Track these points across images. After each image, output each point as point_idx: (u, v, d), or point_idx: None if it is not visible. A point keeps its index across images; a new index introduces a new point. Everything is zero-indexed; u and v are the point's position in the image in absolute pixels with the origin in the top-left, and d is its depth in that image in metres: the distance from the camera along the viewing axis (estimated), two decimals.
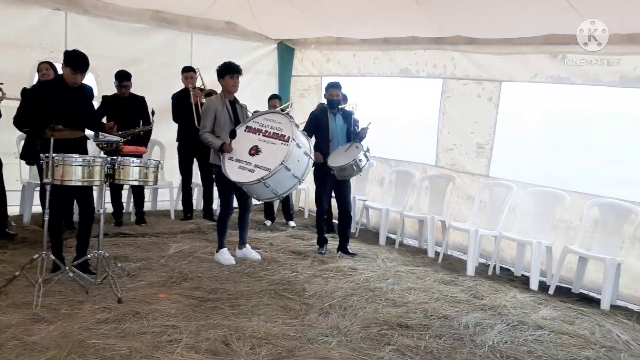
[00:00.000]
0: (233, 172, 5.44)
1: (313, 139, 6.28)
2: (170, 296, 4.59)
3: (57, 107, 4.57)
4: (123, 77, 6.85)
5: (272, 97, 8.12)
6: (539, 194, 6.39)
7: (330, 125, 6.40)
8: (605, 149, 6.29)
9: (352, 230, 7.71)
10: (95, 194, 5.03)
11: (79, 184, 4.35)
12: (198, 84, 7.61)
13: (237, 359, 3.50)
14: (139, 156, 4.89)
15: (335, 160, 6.25)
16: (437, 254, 6.79)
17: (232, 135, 5.52)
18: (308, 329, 4.11)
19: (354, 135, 6.43)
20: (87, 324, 3.83)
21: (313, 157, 5.56)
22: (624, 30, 5.68)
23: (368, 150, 6.30)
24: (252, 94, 8.30)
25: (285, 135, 5.37)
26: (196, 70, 7.60)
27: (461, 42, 7.19)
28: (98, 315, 4.01)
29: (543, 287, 5.87)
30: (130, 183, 4.83)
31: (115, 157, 4.58)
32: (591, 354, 4.06)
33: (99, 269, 4.69)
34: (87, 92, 4.93)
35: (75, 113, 4.69)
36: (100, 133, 4.48)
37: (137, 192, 7.13)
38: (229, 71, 5.74)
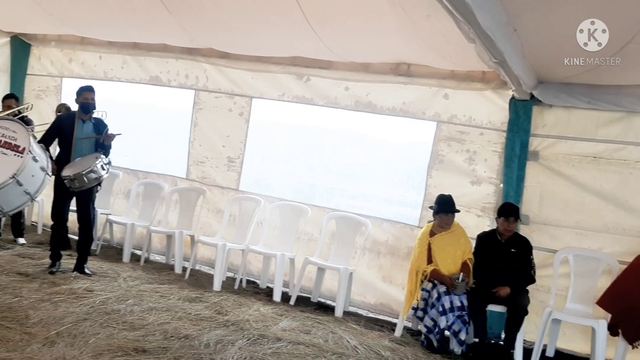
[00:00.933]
0: None
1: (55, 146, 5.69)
2: None
3: None
4: None
5: (7, 97, 7.12)
6: (285, 207, 6.64)
7: (76, 132, 5.81)
8: (342, 165, 6.82)
9: (94, 247, 7.14)
10: None
11: None
12: None
13: None
14: None
15: (69, 170, 5.68)
16: (184, 269, 6.61)
17: None
18: None
19: (101, 146, 5.93)
20: None
21: (50, 174, 4.99)
22: (360, 59, 6.23)
23: (110, 162, 5.87)
24: None
25: (19, 146, 4.76)
26: None
27: (214, 55, 7.19)
28: None
29: (286, 298, 6.09)
30: None
31: None
32: None
33: None
34: None
35: None
36: None
37: None
38: None
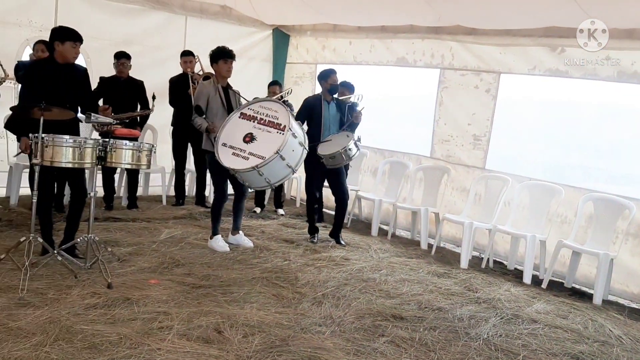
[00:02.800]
0: (227, 158, 5.33)
1: (305, 126, 6.21)
2: (162, 282, 4.50)
3: (48, 87, 4.45)
4: (122, 55, 6.76)
5: (272, 84, 8.04)
6: (535, 187, 6.35)
7: (323, 113, 6.31)
8: (601, 143, 6.26)
9: (345, 220, 7.67)
10: (86, 176, 4.89)
11: (69, 165, 4.23)
12: (197, 69, 7.48)
13: (230, 347, 3.43)
14: (133, 139, 4.76)
15: (325, 148, 6.16)
16: (430, 246, 6.74)
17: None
18: (301, 318, 4.04)
19: (346, 124, 6.35)
20: (75, 309, 3.74)
21: (307, 148, 5.48)
22: (623, 25, 5.64)
23: (359, 139, 6.23)
24: (245, 80, 8.17)
25: (281, 124, 5.27)
26: (196, 56, 7.46)
27: (460, 32, 7.12)
28: (87, 301, 3.92)
29: (536, 281, 5.85)
30: (123, 166, 4.72)
31: (107, 140, 4.47)
32: (585, 349, 4.03)
33: (89, 253, 4.59)
34: (80, 71, 4.79)
35: (66, 93, 4.57)
36: (93, 114, 4.36)
37: (131, 175, 7.02)
38: (222, 56, 5.63)
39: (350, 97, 7.21)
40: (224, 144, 5.42)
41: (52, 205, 4.93)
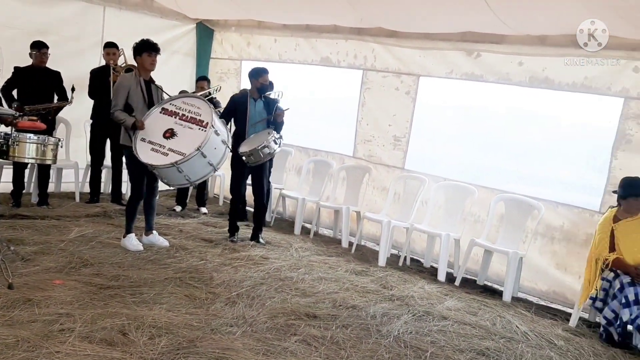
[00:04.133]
0: (145, 154, 5.19)
1: (232, 125, 6.15)
2: (67, 282, 4.31)
3: None
4: (43, 45, 6.46)
5: (201, 79, 7.91)
6: (450, 187, 6.53)
7: (249, 110, 6.24)
8: (513, 146, 6.51)
9: (268, 219, 7.63)
10: None
11: None
12: (120, 62, 7.23)
13: (134, 350, 3.32)
14: (39, 132, 4.52)
15: (245, 146, 6.10)
16: (350, 244, 6.81)
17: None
18: (212, 318, 3.97)
19: (271, 122, 6.31)
20: None
21: (230, 147, 5.41)
22: (536, 31, 5.88)
23: (281, 137, 6.21)
24: (168, 74, 7.95)
25: (203, 121, 5.19)
26: (120, 48, 7.20)
27: (382, 34, 7.21)
28: None
29: (450, 278, 6.01)
30: (27, 161, 4.50)
31: (9, 133, 4.23)
32: (491, 345, 4.17)
33: None
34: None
35: None
36: None
37: (42, 171, 6.68)
38: (146, 48, 5.46)
39: (270, 94, 7.16)
40: (143, 139, 5.27)
41: None
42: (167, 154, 5.09)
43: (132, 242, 5.50)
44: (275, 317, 4.14)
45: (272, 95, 7.17)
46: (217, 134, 5.15)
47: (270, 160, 7.03)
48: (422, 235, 6.62)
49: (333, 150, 7.89)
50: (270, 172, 7.40)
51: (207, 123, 5.15)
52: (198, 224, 6.99)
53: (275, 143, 6.12)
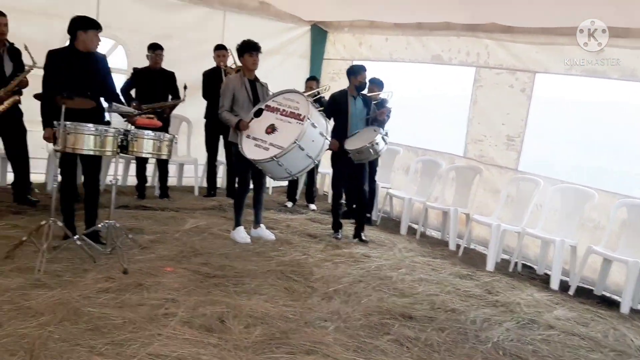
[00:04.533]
0: (249, 149, 5.41)
1: (332, 122, 6.22)
2: (177, 270, 4.58)
3: (69, 75, 4.57)
4: (158, 47, 6.92)
5: (310, 79, 8.09)
6: (567, 190, 6.14)
7: (349, 109, 6.28)
8: (638, 148, 6.00)
9: (374, 218, 7.63)
10: (114, 165, 4.97)
11: (91, 152, 4.36)
12: (230, 62, 7.57)
13: (229, 337, 3.46)
14: (155, 129, 4.84)
15: (352, 143, 6.14)
16: (458, 246, 6.62)
17: (257, 114, 5.50)
18: (308, 312, 4.04)
19: (372, 120, 6.31)
20: (87, 292, 3.85)
21: (329, 139, 5.48)
22: None
23: (387, 134, 6.18)
24: (283, 75, 8.21)
25: (301, 115, 5.31)
26: (228, 50, 7.55)
27: (496, 30, 6.96)
28: (100, 285, 4.03)
29: (564, 287, 5.66)
30: (144, 155, 4.81)
31: (129, 130, 4.58)
32: (599, 357, 3.89)
33: (109, 239, 4.72)
34: (100, 60, 4.89)
35: (88, 82, 4.67)
36: (114, 104, 4.47)
37: (161, 166, 7.18)
38: (248, 49, 5.67)
39: (379, 94, 7.19)
40: (248, 136, 5.49)
41: (75, 192, 5.04)
42: (268, 149, 5.27)
43: (241, 234, 5.74)
44: (370, 315, 4.13)
45: (382, 95, 7.23)
46: (315, 127, 5.25)
47: (376, 159, 7.08)
48: (535, 241, 6.28)
49: (442, 150, 7.73)
50: (375, 170, 7.44)
51: (304, 116, 5.25)
52: (305, 219, 7.14)
53: (383, 140, 6.11)
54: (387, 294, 4.64)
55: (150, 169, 7.43)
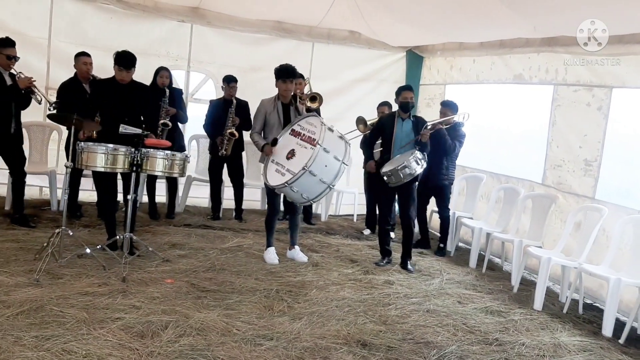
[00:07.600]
0: (270, 174, 5.56)
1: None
2: (177, 282, 4.86)
3: (105, 103, 5.19)
4: (231, 79, 7.39)
5: (382, 104, 8.01)
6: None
7: (395, 130, 6.09)
8: None
9: (448, 248, 7.21)
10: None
11: (102, 169, 4.89)
12: (306, 90, 7.81)
13: (153, 343, 3.61)
14: (165, 149, 5.21)
15: (387, 166, 5.94)
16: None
17: (273, 143, 5.63)
18: (259, 329, 4.02)
19: (416, 142, 6.03)
20: (68, 294, 4.29)
21: (347, 163, 5.39)
22: None
23: (424, 157, 5.88)
24: (376, 102, 8.15)
25: (315, 140, 5.30)
26: (306, 78, 7.80)
27: (573, 43, 6.23)
28: (89, 288, 4.45)
29: (617, 334, 4.80)
30: (156, 173, 5.24)
31: (140, 149, 5.02)
32: None
33: (125, 249, 5.17)
34: (139, 90, 5.44)
35: (125, 109, 5.24)
36: (122, 125, 4.93)
37: (236, 188, 7.58)
38: (280, 76, 5.81)
39: (453, 117, 6.88)
40: (272, 161, 5.64)
41: (112, 206, 5.60)
42: (284, 175, 5.35)
43: (270, 255, 5.87)
44: (323, 338, 3.97)
45: (457, 118, 6.92)
46: (327, 151, 5.20)
47: (448, 187, 6.73)
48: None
49: (522, 177, 7.08)
50: (449, 198, 7.08)
51: (316, 141, 5.23)
52: (364, 246, 7.01)
53: (417, 163, 5.83)
54: (365, 321, 4.40)
55: (228, 191, 7.87)
